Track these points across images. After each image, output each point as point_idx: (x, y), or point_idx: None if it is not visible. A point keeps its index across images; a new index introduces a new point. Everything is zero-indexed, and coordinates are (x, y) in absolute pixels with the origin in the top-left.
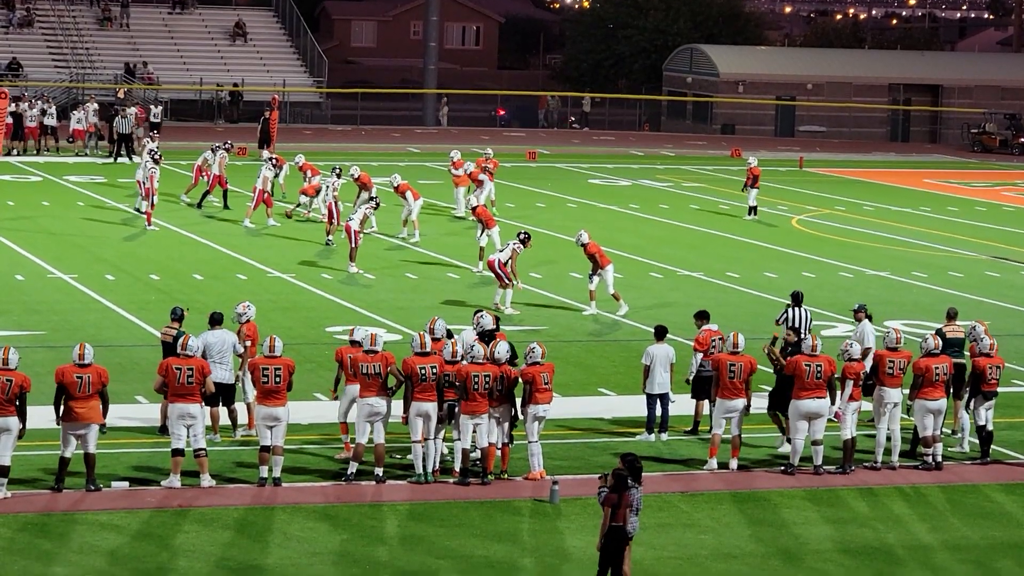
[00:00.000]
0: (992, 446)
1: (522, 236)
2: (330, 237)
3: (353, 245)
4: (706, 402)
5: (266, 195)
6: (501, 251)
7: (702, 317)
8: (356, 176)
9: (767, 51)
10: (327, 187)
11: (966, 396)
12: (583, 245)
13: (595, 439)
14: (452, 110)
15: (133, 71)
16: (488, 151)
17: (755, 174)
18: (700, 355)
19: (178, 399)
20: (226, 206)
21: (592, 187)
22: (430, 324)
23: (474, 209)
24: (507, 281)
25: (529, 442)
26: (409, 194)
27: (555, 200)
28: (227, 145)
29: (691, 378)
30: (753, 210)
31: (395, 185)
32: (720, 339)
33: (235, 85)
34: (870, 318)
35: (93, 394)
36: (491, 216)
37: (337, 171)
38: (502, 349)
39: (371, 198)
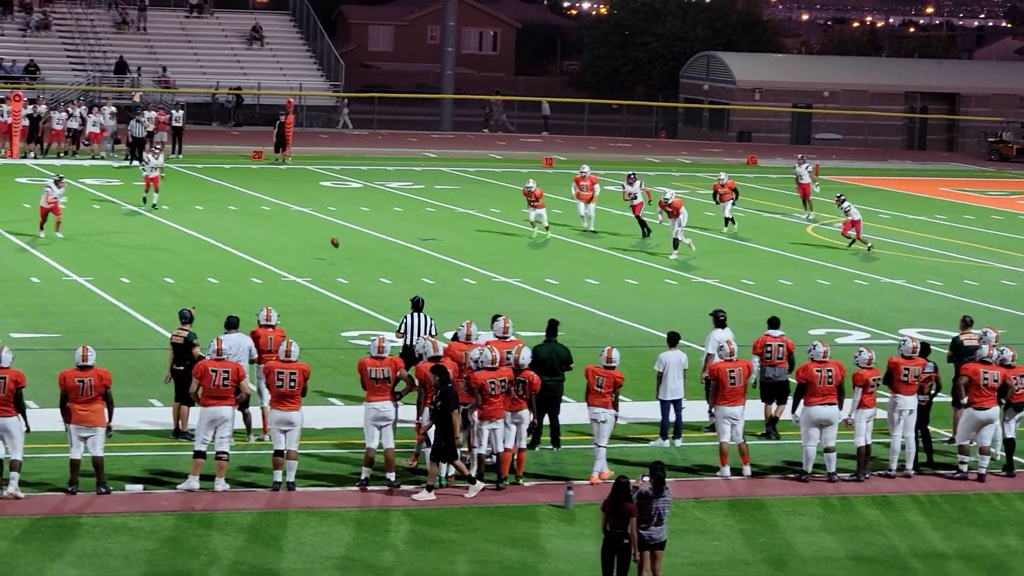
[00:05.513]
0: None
1: None
2: None
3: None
4: (774, 405)
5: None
6: None
7: (769, 323)
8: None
9: (784, 59)
10: None
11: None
12: None
13: (609, 445)
14: (471, 116)
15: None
16: (584, 169)
17: (731, 187)
18: (756, 359)
19: (212, 402)
20: None
21: (608, 193)
22: (467, 329)
23: None
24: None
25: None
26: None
27: (571, 206)
28: None
29: (754, 382)
30: (728, 221)
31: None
32: (779, 345)
33: (238, 88)
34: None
35: (96, 397)
36: None
37: None
38: (525, 355)
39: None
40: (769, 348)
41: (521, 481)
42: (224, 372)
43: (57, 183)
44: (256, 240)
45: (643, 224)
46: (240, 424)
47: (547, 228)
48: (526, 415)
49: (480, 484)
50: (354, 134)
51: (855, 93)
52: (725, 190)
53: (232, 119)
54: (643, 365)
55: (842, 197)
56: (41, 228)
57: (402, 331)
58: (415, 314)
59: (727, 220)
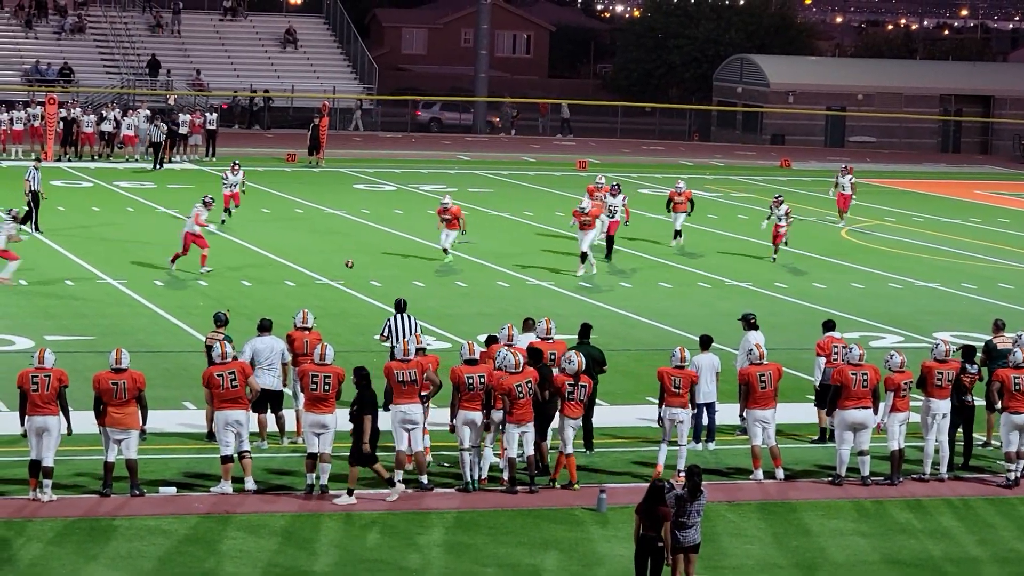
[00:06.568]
0: None
1: None
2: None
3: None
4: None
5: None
6: None
7: (826, 326)
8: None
9: (818, 61)
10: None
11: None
12: None
13: (642, 448)
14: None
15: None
16: (600, 180)
17: (687, 198)
18: (823, 360)
19: (225, 405)
20: None
21: (642, 197)
22: (508, 331)
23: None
24: None
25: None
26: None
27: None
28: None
29: (817, 384)
30: (678, 233)
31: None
32: (843, 346)
33: (266, 91)
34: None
35: (130, 400)
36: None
37: None
38: (581, 359)
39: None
40: (836, 349)
41: (554, 484)
42: (231, 373)
43: (207, 204)
44: (289, 243)
45: (611, 246)
46: (273, 427)
47: (446, 251)
48: (576, 422)
49: (400, 487)
50: (387, 137)
51: (889, 96)
52: (681, 199)
53: (256, 122)
54: None
55: (780, 198)
56: (177, 257)
57: (386, 334)
58: (399, 316)
59: (676, 232)
